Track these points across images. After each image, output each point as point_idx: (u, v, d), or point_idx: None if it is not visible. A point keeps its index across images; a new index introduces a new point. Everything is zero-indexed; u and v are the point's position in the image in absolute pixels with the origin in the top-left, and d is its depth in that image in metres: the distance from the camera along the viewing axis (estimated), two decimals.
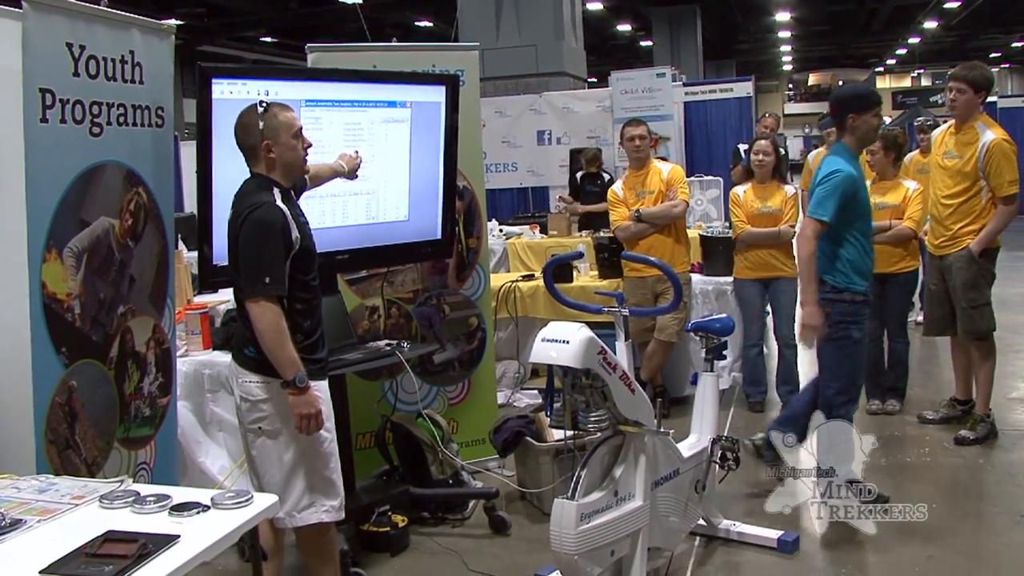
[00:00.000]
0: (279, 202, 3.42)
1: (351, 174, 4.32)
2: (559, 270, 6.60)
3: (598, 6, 24.29)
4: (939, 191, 5.71)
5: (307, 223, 3.58)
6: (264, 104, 3.49)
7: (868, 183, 6.32)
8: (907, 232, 6.12)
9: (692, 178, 9.67)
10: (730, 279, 6.75)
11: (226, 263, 4.17)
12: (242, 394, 3.49)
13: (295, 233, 3.41)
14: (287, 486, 3.46)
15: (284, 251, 3.37)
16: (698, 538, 4.57)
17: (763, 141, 6.62)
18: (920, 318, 8.25)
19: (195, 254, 4.80)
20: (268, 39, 29.15)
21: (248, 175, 3.56)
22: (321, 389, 3.52)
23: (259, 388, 3.44)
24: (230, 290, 5.17)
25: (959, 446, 5.68)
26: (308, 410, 3.38)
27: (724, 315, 4.99)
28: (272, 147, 3.47)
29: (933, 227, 5.81)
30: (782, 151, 6.94)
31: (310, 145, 3.63)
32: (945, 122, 5.96)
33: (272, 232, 3.33)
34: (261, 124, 3.46)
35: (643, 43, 33.01)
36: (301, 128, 3.57)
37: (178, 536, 2.32)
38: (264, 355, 3.37)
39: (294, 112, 3.58)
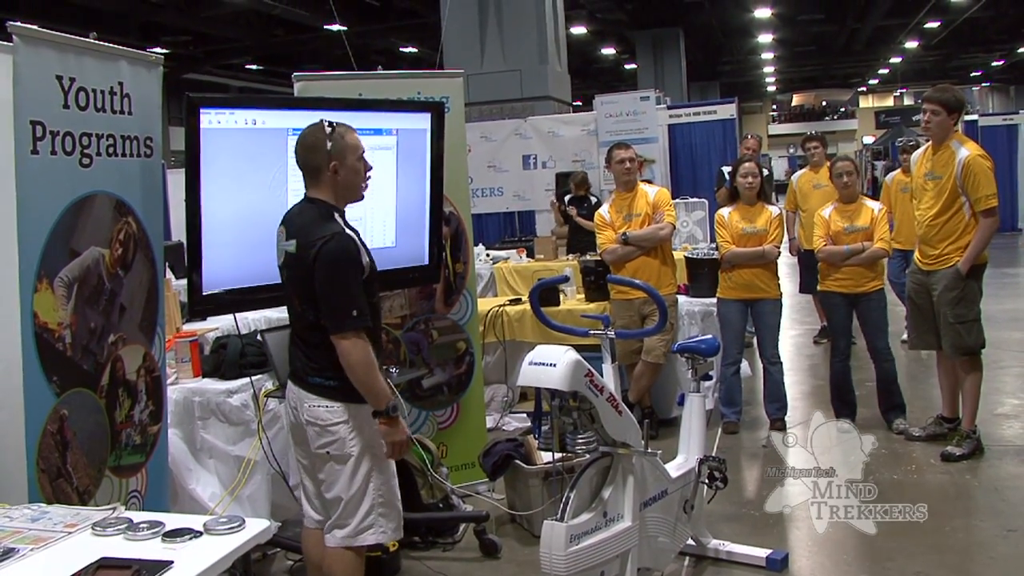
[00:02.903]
0: (348, 229, 3.44)
1: None
2: (546, 294, 6.63)
3: (582, 30, 24.48)
4: (923, 213, 5.78)
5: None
6: (331, 124, 3.49)
7: (831, 207, 6.44)
8: (881, 253, 6.26)
9: (677, 200, 9.71)
10: (715, 300, 6.79)
11: (215, 291, 4.22)
12: (309, 419, 3.49)
13: (365, 258, 3.43)
14: (354, 508, 3.49)
15: (360, 278, 3.39)
16: (687, 558, 4.59)
17: (749, 163, 6.67)
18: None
19: (183, 282, 4.82)
20: (254, 66, 29.25)
21: (297, 200, 3.56)
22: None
23: (328, 412, 3.45)
24: (219, 318, 5.24)
25: (946, 462, 5.72)
26: (399, 437, 3.45)
27: (710, 336, 5.02)
28: (339, 168, 3.47)
29: (920, 247, 5.87)
30: (765, 171, 7.00)
31: (370, 168, 3.62)
32: (926, 142, 6.04)
33: (350, 264, 3.35)
34: (329, 144, 3.45)
35: (627, 66, 33.22)
36: (364, 151, 3.58)
37: (171, 562, 2.33)
38: (335, 382, 3.41)
39: (357, 134, 3.57)
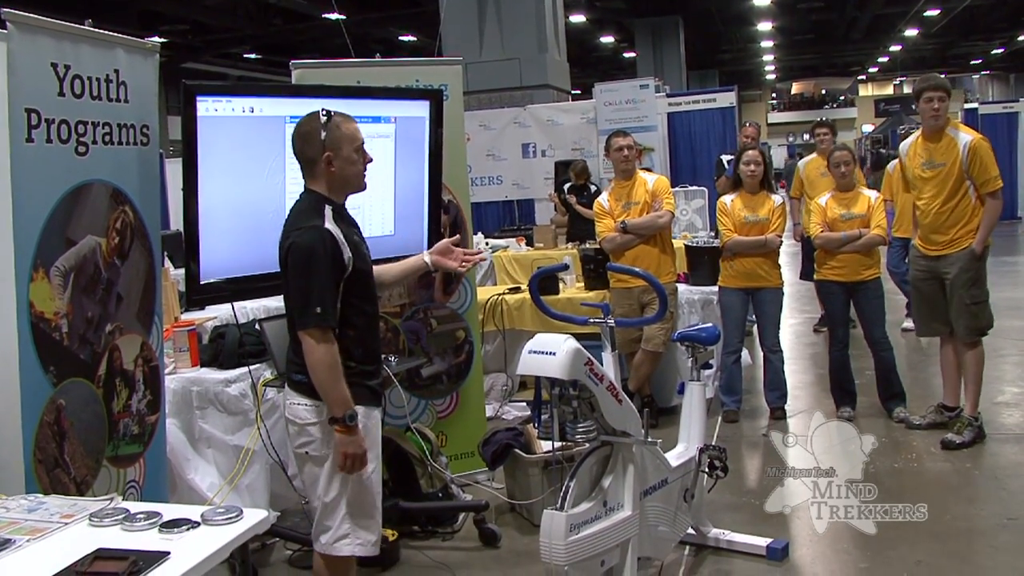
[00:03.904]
0: (328, 223, 3.26)
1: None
2: (545, 282, 6.61)
3: (581, 18, 24.40)
4: (927, 202, 5.75)
5: (363, 241, 3.46)
6: (327, 113, 3.34)
7: (828, 195, 6.43)
8: (878, 240, 6.27)
9: (677, 188, 9.69)
10: (715, 288, 6.79)
11: (213, 280, 4.21)
12: (289, 416, 3.37)
13: (347, 254, 3.26)
14: (329, 514, 3.35)
15: (334, 276, 3.24)
16: (688, 547, 4.59)
17: (752, 151, 6.65)
18: (908, 324, 8.33)
19: (182, 271, 4.79)
20: (252, 55, 29.19)
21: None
22: (373, 417, 3.41)
23: (306, 411, 3.31)
24: (217, 307, 5.23)
25: (946, 451, 5.71)
26: (354, 450, 3.23)
27: (710, 324, 5.00)
28: (333, 160, 3.32)
29: (926, 235, 5.85)
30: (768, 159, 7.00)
31: (370, 160, 3.50)
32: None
33: (316, 259, 3.19)
34: (323, 134, 3.30)
35: (626, 54, 33.17)
36: (363, 142, 3.44)
37: (168, 553, 2.31)
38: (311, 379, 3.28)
39: (356, 124, 3.44)
